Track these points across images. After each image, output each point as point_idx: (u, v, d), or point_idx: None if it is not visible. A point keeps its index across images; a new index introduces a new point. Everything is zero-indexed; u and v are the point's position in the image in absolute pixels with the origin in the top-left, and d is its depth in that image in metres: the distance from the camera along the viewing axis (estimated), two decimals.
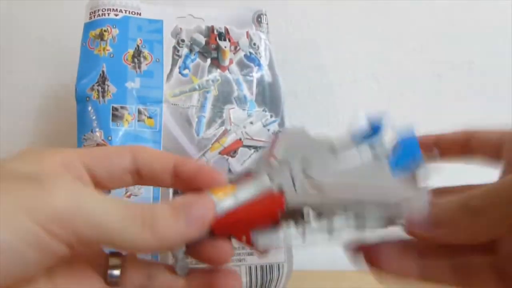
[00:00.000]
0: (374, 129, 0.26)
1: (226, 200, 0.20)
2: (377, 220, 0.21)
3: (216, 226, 0.20)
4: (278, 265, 0.38)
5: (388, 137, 0.26)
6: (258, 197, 0.21)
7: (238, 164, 0.38)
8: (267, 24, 0.43)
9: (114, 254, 0.21)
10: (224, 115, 0.39)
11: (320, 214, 0.21)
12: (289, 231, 0.22)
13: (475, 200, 0.20)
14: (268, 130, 0.40)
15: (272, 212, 0.21)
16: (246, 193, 0.21)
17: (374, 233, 0.21)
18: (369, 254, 0.23)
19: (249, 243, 0.21)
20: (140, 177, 0.22)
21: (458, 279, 0.23)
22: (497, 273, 0.22)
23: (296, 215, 0.22)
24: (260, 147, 0.39)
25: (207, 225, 0.19)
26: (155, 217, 0.18)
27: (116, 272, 0.20)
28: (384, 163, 0.23)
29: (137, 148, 0.22)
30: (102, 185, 0.21)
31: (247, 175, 0.23)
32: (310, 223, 0.21)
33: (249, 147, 0.39)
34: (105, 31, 0.38)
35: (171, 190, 0.36)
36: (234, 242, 0.21)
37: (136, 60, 0.38)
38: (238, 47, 0.41)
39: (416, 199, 0.20)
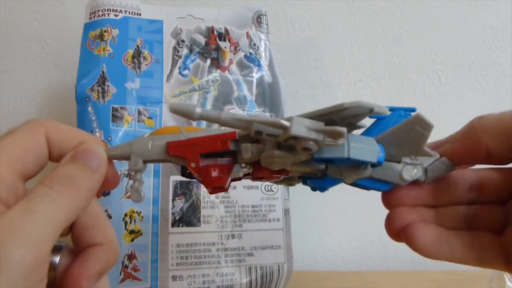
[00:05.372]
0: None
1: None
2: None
3: (172, 146, 0.22)
4: (278, 265, 0.38)
5: None
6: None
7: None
8: (267, 24, 0.43)
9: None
10: None
11: None
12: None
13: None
14: None
15: (224, 140, 0.23)
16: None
17: None
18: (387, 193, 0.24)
19: (197, 170, 0.23)
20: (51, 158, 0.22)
21: (470, 250, 0.23)
22: (505, 255, 0.23)
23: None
24: None
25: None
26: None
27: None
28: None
29: (49, 129, 0.21)
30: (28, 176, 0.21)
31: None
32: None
33: None
34: (105, 31, 0.38)
35: (171, 192, 0.36)
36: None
37: (136, 60, 0.38)
38: (238, 48, 0.41)
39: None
